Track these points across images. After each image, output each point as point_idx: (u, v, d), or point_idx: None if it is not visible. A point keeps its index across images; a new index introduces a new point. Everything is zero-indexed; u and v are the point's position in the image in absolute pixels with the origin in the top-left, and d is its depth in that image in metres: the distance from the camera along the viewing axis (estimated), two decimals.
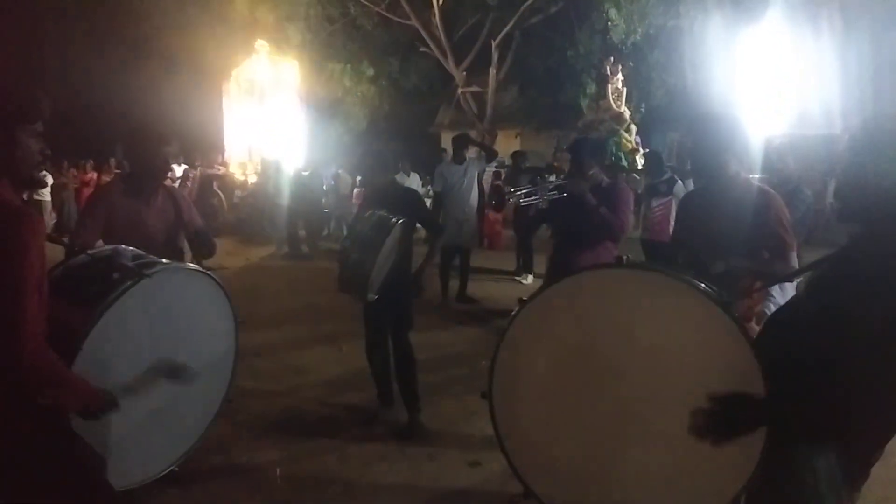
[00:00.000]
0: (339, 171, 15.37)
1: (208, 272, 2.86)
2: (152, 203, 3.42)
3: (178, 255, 3.38)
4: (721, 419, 1.72)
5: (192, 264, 2.91)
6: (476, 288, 8.53)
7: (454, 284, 8.21)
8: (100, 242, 3.19)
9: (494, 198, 4.32)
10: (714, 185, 3.22)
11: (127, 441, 2.44)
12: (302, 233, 13.27)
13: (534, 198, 4.04)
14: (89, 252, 2.57)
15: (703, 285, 2.21)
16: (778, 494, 1.78)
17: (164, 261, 2.67)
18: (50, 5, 24.26)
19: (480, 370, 5.65)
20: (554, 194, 3.88)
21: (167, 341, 2.60)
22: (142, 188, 3.39)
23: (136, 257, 2.56)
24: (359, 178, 11.76)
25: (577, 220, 3.94)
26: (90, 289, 2.34)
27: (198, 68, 20.17)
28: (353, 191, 14.54)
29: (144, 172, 3.41)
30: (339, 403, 4.93)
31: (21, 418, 1.93)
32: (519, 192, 4.03)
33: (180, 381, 2.59)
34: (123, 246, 2.62)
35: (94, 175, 15.47)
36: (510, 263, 10.24)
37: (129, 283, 2.40)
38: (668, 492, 2.19)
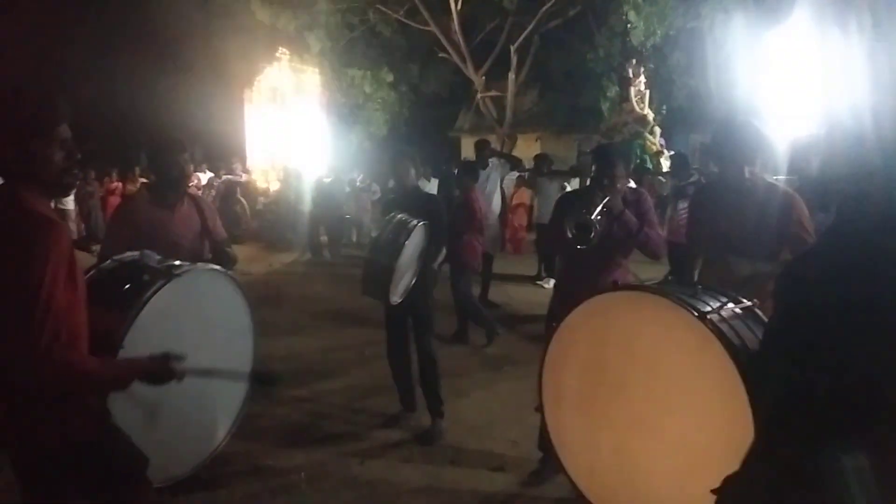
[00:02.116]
0: (361, 177, 15.44)
1: (229, 272, 2.90)
2: (177, 212, 3.45)
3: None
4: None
5: (212, 265, 2.93)
6: (498, 293, 8.52)
7: (476, 289, 8.19)
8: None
9: (573, 226, 3.59)
10: (736, 187, 3.22)
11: (155, 441, 2.47)
12: (324, 238, 13.36)
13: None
14: (115, 257, 2.61)
15: (690, 299, 2.42)
16: (804, 499, 1.75)
17: (188, 263, 2.71)
18: (73, 13, 24.70)
19: (504, 375, 5.68)
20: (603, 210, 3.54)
21: (195, 340, 2.63)
22: (166, 197, 3.43)
23: (161, 261, 2.60)
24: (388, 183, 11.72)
25: (616, 239, 3.56)
26: (122, 291, 2.38)
27: (220, 76, 20.42)
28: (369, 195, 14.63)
29: (166, 182, 3.44)
30: (362, 408, 4.94)
31: (65, 418, 1.95)
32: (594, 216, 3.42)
33: (216, 378, 2.61)
34: (148, 250, 2.66)
35: (119, 184, 15.69)
36: (532, 268, 10.21)
37: (159, 283, 2.44)
38: (683, 493, 2.38)
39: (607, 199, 3.47)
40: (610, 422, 2.67)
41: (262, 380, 2.75)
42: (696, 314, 2.33)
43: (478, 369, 5.87)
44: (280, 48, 17.37)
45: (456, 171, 7.19)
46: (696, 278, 3.46)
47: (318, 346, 6.61)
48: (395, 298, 4.12)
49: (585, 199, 3.50)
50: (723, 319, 2.36)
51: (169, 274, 2.49)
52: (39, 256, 1.77)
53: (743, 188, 3.23)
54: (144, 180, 14.82)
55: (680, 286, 2.69)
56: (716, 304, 2.46)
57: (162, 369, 2.05)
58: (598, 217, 3.37)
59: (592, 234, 3.34)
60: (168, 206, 3.41)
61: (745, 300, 2.57)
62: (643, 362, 2.57)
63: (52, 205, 2.09)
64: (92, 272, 2.52)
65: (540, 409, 3.00)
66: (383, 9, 18.16)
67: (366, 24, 18.67)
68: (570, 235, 3.37)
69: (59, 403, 1.93)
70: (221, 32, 20.53)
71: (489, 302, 8.21)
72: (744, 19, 14.24)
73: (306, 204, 13.23)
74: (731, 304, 2.50)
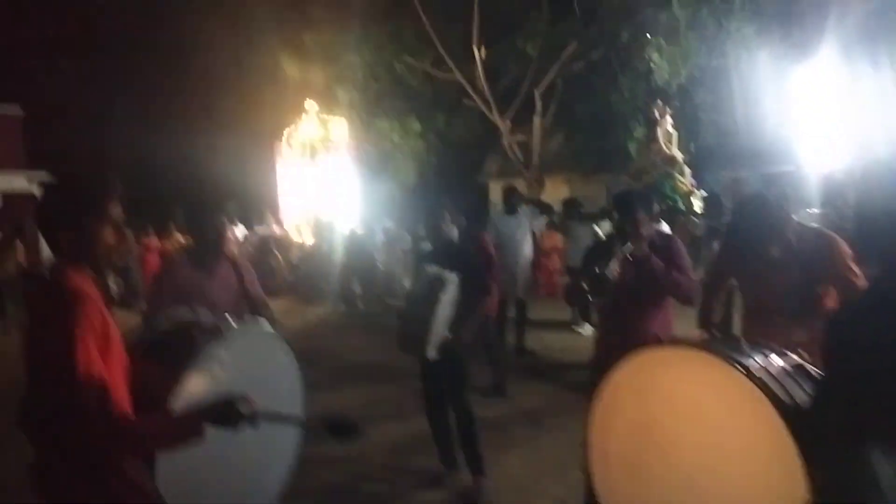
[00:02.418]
0: (391, 227, 15.56)
1: (274, 331, 2.90)
2: (216, 274, 3.49)
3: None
4: None
5: (261, 324, 2.94)
6: (533, 340, 8.43)
7: (510, 337, 8.12)
8: None
9: (588, 281, 3.69)
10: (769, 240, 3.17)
11: (202, 500, 2.45)
12: (357, 289, 13.43)
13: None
14: (170, 316, 2.64)
15: (736, 354, 2.36)
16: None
17: (237, 322, 2.73)
18: (111, 72, 25.68)
19: (545, 429, 5.57)
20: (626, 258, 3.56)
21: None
22: (204, 260, 3.48)
23: (212, 319, 2.63)
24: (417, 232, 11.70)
25: (644, 285, 3.56)
26: (174, 349, 2.40)
27: (251, 131, 20.97)
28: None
29: (204, 245, 3.49)
30: (403, 467, 4.89)
31: (106, 486, 1.96)
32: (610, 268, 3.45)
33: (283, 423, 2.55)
34: (203, 309, 2.69)
35: (156, 240, 16.00)
36: (566, 312, 10.11)
37: (211, 340, 2.45)
38: None
39: (628, 246, 3.50)
40: (659, 483, 2.58)
41: (338, 430, 2.49)
42: (743, 370, 2.27)
43: (518, 423, 5.77)
44: (308, 101, 17.79)
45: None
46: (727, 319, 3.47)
47: (355, 402, 6.57)
48: (432, 353, 4.07)
49: (605, 251, 3.54)
50: (771, 376, 2.30)
51: (220, 332, 2.51)
52: (70, 331, 1.80)
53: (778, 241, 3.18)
54: (180, 237, 15.15)
55: (724, 340, 2.64)
56: (762, 360, 2.39)
57: (229, 410, 2.00)
58: (613, 268, 3.39)
59: (605, 286, 3.39)
60: (206, 269, 3.46)
61: (793, 355, 2.51)
62: (690, 421, 2.50)
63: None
64: (145, 332, 2.55)
65: (586, 470, 2.91)
66: (409, 60, 18.54)
67: (392, 75, 19.06)
68: (585, 288, 3.44)
69: (96, 468, 1.93)
70: (252, 88, 21.20)
71: (524, 349, 8.12)
72: (770, 55, 14.22)
73: (339, 255, 13.36)
74: (778, 359, 2.43)
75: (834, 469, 1.67)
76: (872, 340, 1.63)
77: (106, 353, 1.90)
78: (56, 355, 1.81)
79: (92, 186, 1.97)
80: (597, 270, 3.40)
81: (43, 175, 18.21)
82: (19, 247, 11.26)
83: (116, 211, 1.99)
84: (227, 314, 2.81)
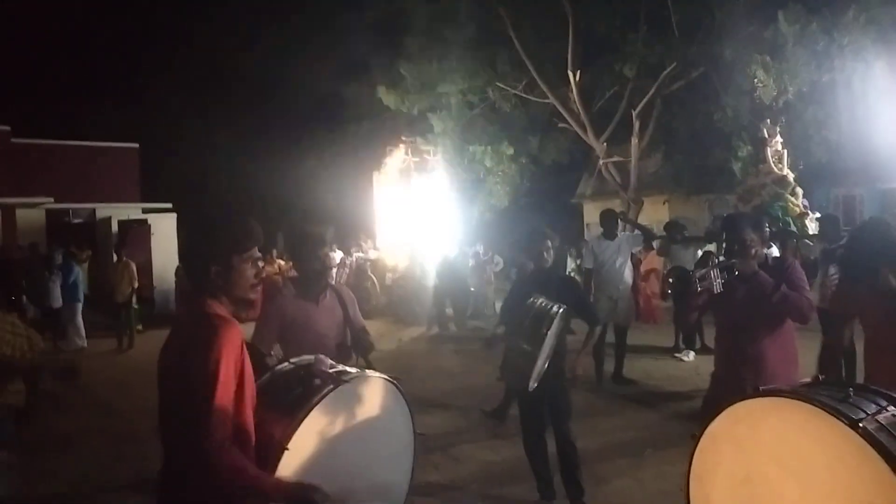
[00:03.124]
0: (482, 249, 15.57)
1: (394, 381, 2.81)
2: (321, 303, 3.50)
3: (347, 354, 3.44)
4: None
5: (379, 373, 2.91)
6: (633, 367, 8.14)
7: (609, 364, 7.88)
8: (276, 348, 3.36)
9: (672, 285, 3.87)
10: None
11: None
12: (450, 311, 13.48)
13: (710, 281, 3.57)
14: (292, 360, 2.68)
15: (840, 405, 2.20)
16: None
17: (356, 369, 2.74)
18: (215, 108, 27.25)
19: (646, 460, 5.34)
20: (724, 275, 3.49)
21: (357, 448, 2.61)
22: (309, 290, 3.49)
23: (332, 365, 2.65)
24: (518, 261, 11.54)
25: (753, 303, 3.48)
26: (293, 394, 2.43)
27: (350, 160, 21.65)
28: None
29: (309, 275, 3.50)
30: (500, 496, 4.80)
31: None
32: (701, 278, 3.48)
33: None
34: (322, 355, 2.71)
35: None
36: (667, 337, 9.73)
37: (329, 387, 2.45)
38: None
39: (733, 262, 3.47)
40: None
41: None
42: (848, 422, 2.11)
43: (618, 454, 5.56)
44: (404, 132, 18.21)
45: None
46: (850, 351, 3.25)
47: (448, 426, 6.53)
48: (533, 384, 4.02)
49: (703, 263, 3.59)
50: (881, 427, 2.11)
51: (338, 380, 2.51)
52: (213, 355, 1.94)
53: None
54: (282, 262, 15.73)
55: (830, 388, 2.43)
56: (872, 409, 2.19)
57: (306, 499, 2.08)
58: (705, 274, 3.41)
59: (691, 286, 3.44)
60: (312, 299, 3.47)
61: None
62: (794, 476, 2.33)
63: None
64: (266, 374, 2.60)
65: None
66: (502, 86, 18.63)
67: (486, 101, 19.19)
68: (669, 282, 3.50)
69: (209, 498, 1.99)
70: (351, 118, 21.93)
71: (624, 378, 7.85)
72: (887, 67, 13.34)
73: (432, 279, 13.48)
74: (891, 408, 2.22)
75: None
76: None
77: (240, 388, 2.03)
78: (198, 374, 1.93)
79: (242, 229, 2.17)
80: (690, 272, 3.44)
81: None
82: (133, 271, 12.02)
83: (257, 254, 2.19)
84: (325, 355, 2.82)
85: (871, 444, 2.05)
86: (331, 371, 2.55)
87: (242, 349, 2.06)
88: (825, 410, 2.20)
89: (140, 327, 12.60)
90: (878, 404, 2.24)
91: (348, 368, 2.72)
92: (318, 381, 2.48)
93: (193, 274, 2.14)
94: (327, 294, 3.55)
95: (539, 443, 4.46)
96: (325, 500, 2.10)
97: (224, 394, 1.95)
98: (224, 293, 2.12)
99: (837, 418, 2.15)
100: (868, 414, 2.16)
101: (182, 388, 1.96)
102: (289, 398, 2.40)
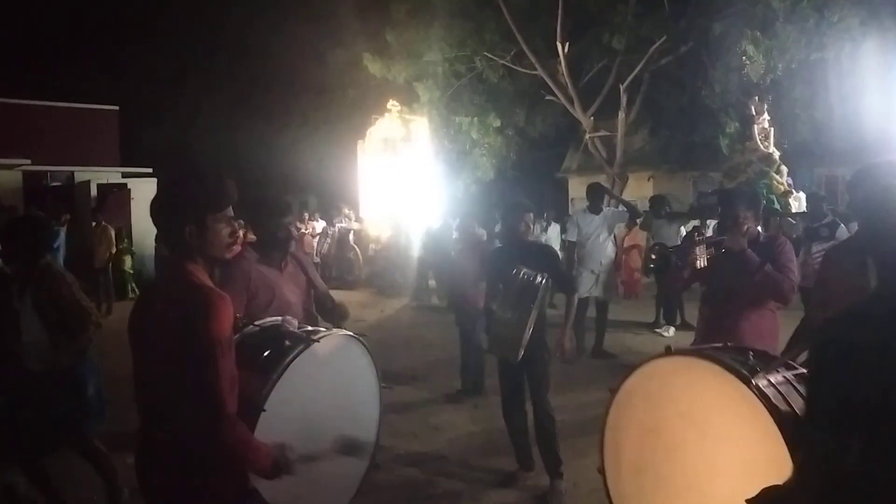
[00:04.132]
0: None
1: (360, 338, 2.86)
2: (285, 270, 3.44)
3: (314, 321, 3.39)
4: None
5: (346, 330, 2.92)
6: (613, 342, 8.18)
7: (590, 338, 7.92)
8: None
9: (654, 261, 4.04)
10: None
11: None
12: (432, 283, 13.46)
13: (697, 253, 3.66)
14: (257, 323, 2.65)
15: (740, 365, 2.48)
16: None
17: (324, 328, 2.73)
18: (197, 73, 26.75)
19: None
20: (711, 251, 3.54)
21: (327, 405, 2.64)
22: (273, 258, 3.41)
23: (300, 326, 2.63)
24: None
25: (737, 279, 3.53)
26: (263, 356, 2.41)
27: (334, 129, 21.39)
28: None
29: (273, 243, 3.40)
30: (479, 465, 4.81)
31: (226, 490, 2.03)
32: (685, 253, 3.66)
33: (356, 456, 2.57)
34: (289, 316, 2.69)
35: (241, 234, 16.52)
36: (648, 313, 9.78)
37: (300, 347, 2.45)
38: None
39: (722, 238, 3.59)
40: (664, 484, 2.76)
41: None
42: (742, 379, 2.40)
43: (596, 427, 5.56)
44: (390, 100, 17.98)
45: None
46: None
47: (429, 397, 6.56)
48: (520, 355, 4.07)
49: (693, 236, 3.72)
50: (771, 385, 2.40)
51: (308, 339, 2.50)
52: (214, 329, 1.92)
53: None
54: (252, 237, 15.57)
55: (734, 352, 2.72)
56: (764, 367, 2.48)
57: (283, 461, 2.07)
58: (690, 248, 3.59)
59: (670, 262, 3.65)
60: (276, 266, 3.39)
61: (798, 367, 2.54)
62: (696, 426, 2.65)
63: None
64: (236, 336, 2.58)
65: (601, 470, 3.10)
66: (490, 56, 18.41)
67: (473, 71, 18.98)
68: (651, 257, 3.65)
69: (213, 468, 1.99)
70: (335, 86, 21.61)
71: (604, 351, 7.89)
72: (876, 46, 13.30)
73: (416, 250, 13.42)
74: (783, 370, 2.51)
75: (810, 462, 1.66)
76: (866, 347, 1.56)
77: (231, 354, 2.02)
78: (198, 353, 1.91)
79: (216, 186, 2.11)
80: (670, 248, 3.58)
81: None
82: (111, 236, 11.85)
83: (231, 212, 2.14)
84: (300, 315, 2.80)
85: (759, 399, 2.33)
86: (300, 330, 2.53)
87: (232, 319, 2.03)
88: (724, 368, 2.49)
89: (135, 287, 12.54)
90: (774, 368, 2.52)
91: (315, 328, 2.70)
92: (288, 342, 2.45)
93: (167, 234, 2.08)
94: (289, 262, 3.48)
95: (518, 414, 4.47)
96: (291, 467, 2.09)
97: (229, 366, 1.95)
98: (199, 253, 2.07)
99: (734, 375, 2.44)
100: (762, 373, 2.44)
101: (182, 361, 1.92)
102: (260, 359, 2.38)
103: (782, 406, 2.30)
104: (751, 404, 2.35)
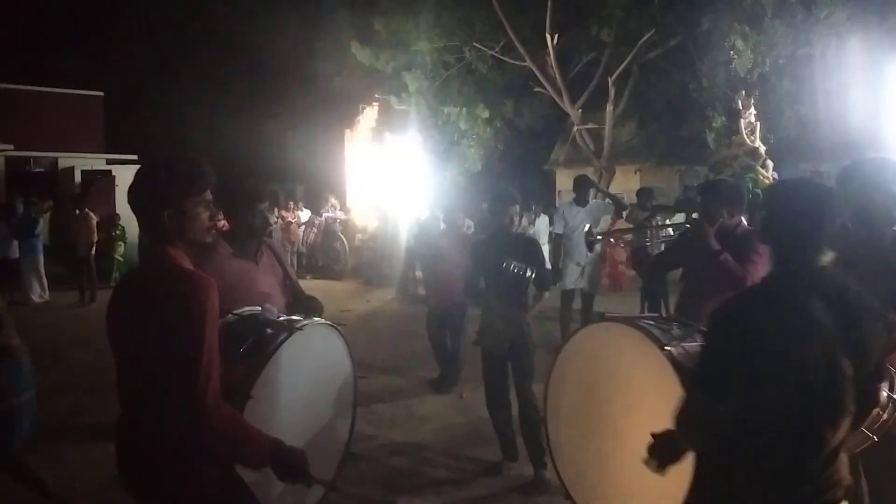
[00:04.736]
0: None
1: (337, 326, 2.86)
2: (260, 261, 3.29)
3: (291, 313, 3.31)
4: (657, 450, 2.11)
5: (324, 319, 2.90)
6: None
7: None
8: None
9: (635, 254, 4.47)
10: (865, 234, 2.87)
11: (265, 492, 2.45)
12: (418, 273, 13.44)
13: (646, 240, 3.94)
14: (235, 312, 2.61)
15: (660, 333, 2.86)
16: None
17: (304, 318, 2.71)
18: (184, 61, 26.46)
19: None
20: (667, 237, 3.71)
21: (307, 394, 2.64)
22: (248, 248, 3.26)
23: (279, 314, 2.62)
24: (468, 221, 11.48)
25: (698, 266, 3.76)
26: (246, 345, 2.39)
27: (321, 116, 21.26)
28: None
29: (247, 232, 3.26)
30: (463, 455, 4.84)
31: (209, 477, 2.01)
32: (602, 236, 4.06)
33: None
34: (269, 305, 2.66)
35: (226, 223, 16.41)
36: (634, 305, 9.83)
37: (283, 336, 2.44)
38: (649, 488, 2.62)
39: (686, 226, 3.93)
40: (592, 434, 3.17)
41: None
42: (658, 345, 2.76)
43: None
44: (378, 89, 17.86)
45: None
46: None
47: (415, 388, 6.57)
48: (507, 346, 4.18)
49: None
50: (685, 351, 2.73)
51: (291, 328, 2.49)
52: (200, 313, 1.90)
53: (872, 239, 2.85)
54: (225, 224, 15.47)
55: (661, 320, 3.12)
56: (681, 336, 2.83)
57: (299, 463, 2.07)
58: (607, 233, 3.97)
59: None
60: (251, 258, 3.26)
61: None
62: (620, 384, 3.06)
63: None
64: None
65: (544, 420, 3.59)
66: (479, 46, 18.34)
67: (462, 61, 18.91)
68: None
69: (197, 455, 1.97)
70: (323, 75, 21.46)
71: None
72: (862, 43, 13.41)
73: (403, 241, 13.39)
74: (698, 337, 2.79)
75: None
76: (748, 326, 1.82)
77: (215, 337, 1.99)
78: (185, 337, 1.89)
79: (193, 170, 2.09)
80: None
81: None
82: (91, 223, 11.73)
83: (210, 196, 2.12)
84: (273, 305, 2.76)
85: (670, 363, 2.67)
86: (281, 320, 2.52)
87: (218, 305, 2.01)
88: (644, 335, 2.84)
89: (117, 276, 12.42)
90: (692, 336, 2.84)
91: (294, 317, 2.69)
92: (270, 330, 2.44)
93: (145, 220, 2.06)
94: (264, 252, 3.33)
95: (502, 404, 4.49)
96: (305, 465, 2.08)
97: (214, 350, 1.93)
98: (179, 238, 2.05)
99: (651, 341, 2.80)
100: (677, 340, 2.79)
101: (168, 345, 1.89)
102: (243, 348, 2.37)
103: (689, 367, 2.58)
104: (663, 366, 2.70)
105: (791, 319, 1.78)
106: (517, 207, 4.45)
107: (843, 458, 1.88)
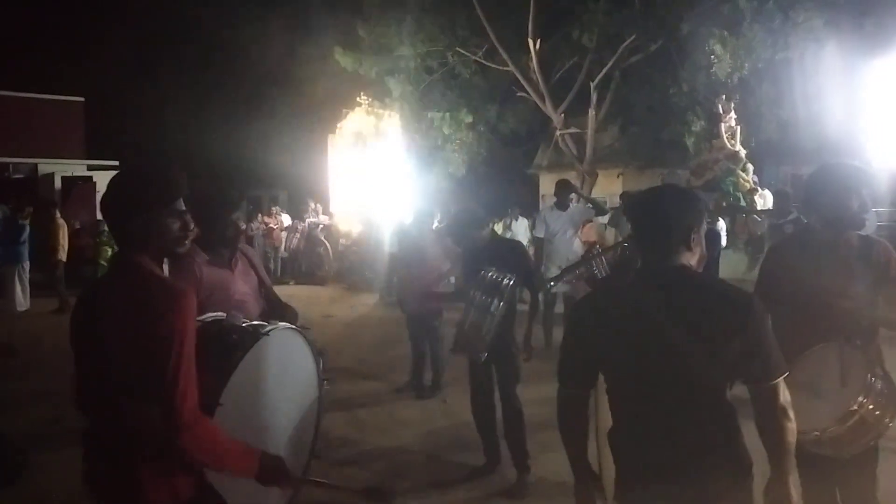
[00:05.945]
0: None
1: (302, 330, 2.82)
2: (236, 269, 3.27)
3: (268, 319, 3.29)
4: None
5: (288, 323, 2.87)
6: None
7: (558, 333, 7.98)
8: None
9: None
10: (833, 236, 2.91)
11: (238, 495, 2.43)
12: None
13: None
14: (198, 318, 2.58)
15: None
16: None
17: (270, 322, 2.69)
18: (164, 65, 26.29)
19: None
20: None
21: (274, 400, 2.62)
22: (222, 256, 3.24)
23: (244, 320, 2.59)
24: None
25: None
26: (212, 351, 2.36)
27: (304, 122, 21.18)
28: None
29: (221, 240, 3.22)
30: (446, 459, 4.83)
31: (174, 475, 1.98)
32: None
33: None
34: (234, 311, 2.64)
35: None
36: None
37: (249, 342, 2.42)
38: None
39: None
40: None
41: (374, 498, 2.64)
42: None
43: None
44: (361, 93, 17.84)
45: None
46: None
47: (398, 393, 6.55)
48: (484, 354, 4.16)
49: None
50: None
51: (257, 333, 2.47)
52: (178, 323, 1.88)
53: (839, 242, 2.91)
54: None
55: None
56: None
57: (279, 470, 2.09)
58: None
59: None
60: (225, 265, 3.24)
61: None
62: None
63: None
64: None
65: None
66: (462, 51, 18.40)
67: (445, 66, 18.95)
68: None
69: (168, 461, 1.94)
70: (306, 80, 21.39)
71: None
72: (839, 47, 13.60)
73: (386, 245, 13.37)
74: None
75: None
76: (597, 319, 2.11)
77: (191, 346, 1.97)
78: (161, 346, 1.86)
79: (164, 179, 2.06)
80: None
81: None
82: (64, 231, 11.58)
83: (182, 206, 2.09)
84: (255, 314, 2.75)
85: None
86: (246, 325, 2.50)
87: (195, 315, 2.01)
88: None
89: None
90: None
91: (260, 322, 2.66)
92: (235, 336, 2.42)
93: (116, 228, 2.03)
94: (239, 259, 3.32)
95: (486, 408, 4.50)
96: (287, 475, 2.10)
97: (192, 363, 1.91)
98: (149, 247, 2.02)
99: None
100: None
101: (142, 356, 1.86)
102: (209, 354, 2.34)
103: None
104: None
105: (615, 309, 2.05)
106: (483, 225, 4.48)
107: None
